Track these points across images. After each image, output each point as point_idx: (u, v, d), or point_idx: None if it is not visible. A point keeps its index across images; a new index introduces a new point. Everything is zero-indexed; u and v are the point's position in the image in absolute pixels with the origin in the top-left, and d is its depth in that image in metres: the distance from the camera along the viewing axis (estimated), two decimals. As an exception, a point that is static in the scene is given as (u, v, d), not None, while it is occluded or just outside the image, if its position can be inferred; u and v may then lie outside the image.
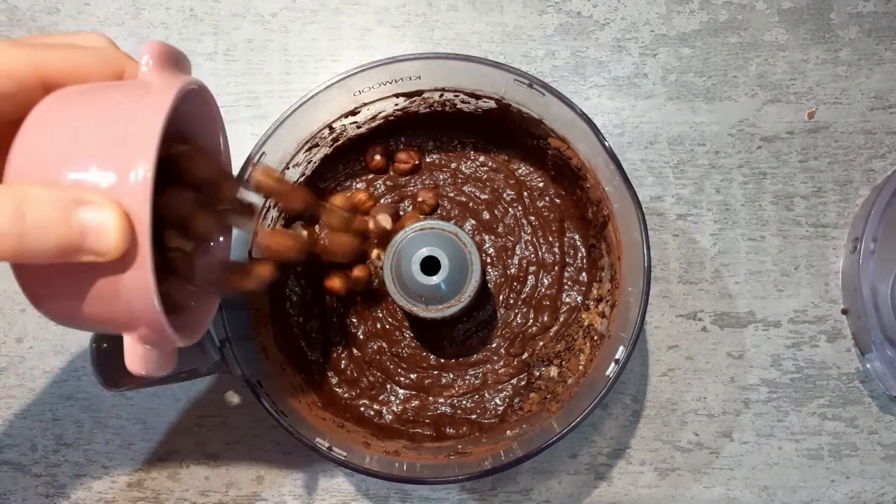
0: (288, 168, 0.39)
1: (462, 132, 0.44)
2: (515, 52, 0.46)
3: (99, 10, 0.47)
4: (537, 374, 0.42)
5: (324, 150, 0.42)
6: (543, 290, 0.43)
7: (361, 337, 0.43)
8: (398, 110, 0.41)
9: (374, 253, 0.41)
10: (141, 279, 0.25)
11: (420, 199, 0.43)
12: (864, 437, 0.43)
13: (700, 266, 0.45)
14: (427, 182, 0.44)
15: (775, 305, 0.44)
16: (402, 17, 0.47)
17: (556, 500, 0.43)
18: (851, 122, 0.46)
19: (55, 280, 0.26)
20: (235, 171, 0.36)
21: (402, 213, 0.43)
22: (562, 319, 0.43)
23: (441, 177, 0.44)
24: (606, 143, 0.35)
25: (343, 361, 0.42)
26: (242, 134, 0.46)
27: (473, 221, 0.44)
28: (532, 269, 0.43)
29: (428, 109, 0.42)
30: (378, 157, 0.43)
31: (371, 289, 0.42)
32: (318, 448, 0.34)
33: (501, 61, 0.36)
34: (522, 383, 0.42)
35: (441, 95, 0.40)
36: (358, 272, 0.41)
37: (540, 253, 0.43)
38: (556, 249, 0.43)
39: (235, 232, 0.35)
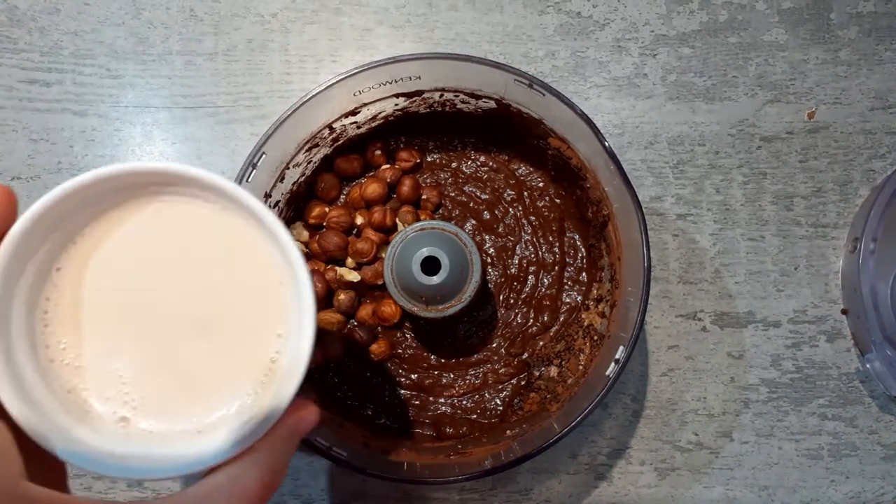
0: (288, 168, 0.39)
1: (462, 132, 0.44)
2: (515, 52, 0.46)
3: (99, 10, 0.47)
4: (537, 374, 0.42)
5: (324, 150, 0.42)
6: (543, 290, 0.43)
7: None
8: (398, 110, 0.41)
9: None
10: None
11: (424, 197, 0.43)
12: (863, 437, 0.43)
13: (700, 266, 0.45)
14: (429, 181, 0.44)
15: (775, 305, 0.44)
16: (402, 17, 0.47)
17: (556, 500, 0.43)
18: (851, 122, 0.46)
19: None
20: (235, 171, 0.36)
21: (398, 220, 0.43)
22: (562, 319, 0.43)
23: (442, 176, 0.44)
24: (606, 143, 0.35)
25: (344, 362, 0.42)
26: (242, 134, 0.46)
27: (474, 221, 0.44)
28: (532, 269, 0.43)
29: (428, 109, 0.42)
30: (378, 153, 0.43)
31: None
32: (319, 448, 0.34)
33: (501, 61, 0.36)
34: (522, 383, 0.42)
35: (441, 95, 0.40)
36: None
37: (540, 253, 0.43)
38: (556, 249, 0.43)
39: None
